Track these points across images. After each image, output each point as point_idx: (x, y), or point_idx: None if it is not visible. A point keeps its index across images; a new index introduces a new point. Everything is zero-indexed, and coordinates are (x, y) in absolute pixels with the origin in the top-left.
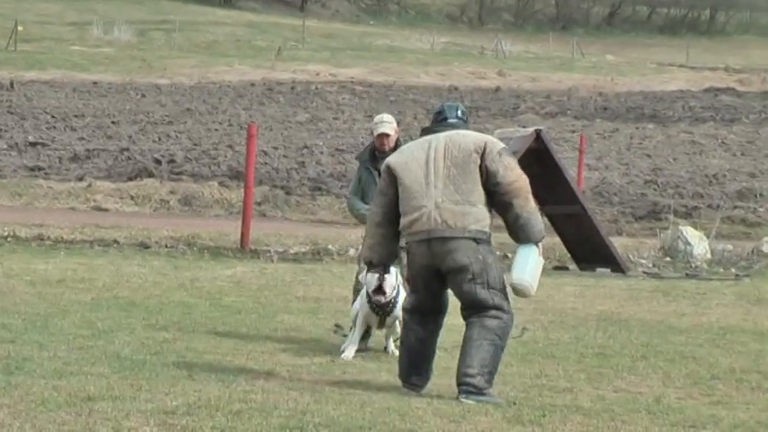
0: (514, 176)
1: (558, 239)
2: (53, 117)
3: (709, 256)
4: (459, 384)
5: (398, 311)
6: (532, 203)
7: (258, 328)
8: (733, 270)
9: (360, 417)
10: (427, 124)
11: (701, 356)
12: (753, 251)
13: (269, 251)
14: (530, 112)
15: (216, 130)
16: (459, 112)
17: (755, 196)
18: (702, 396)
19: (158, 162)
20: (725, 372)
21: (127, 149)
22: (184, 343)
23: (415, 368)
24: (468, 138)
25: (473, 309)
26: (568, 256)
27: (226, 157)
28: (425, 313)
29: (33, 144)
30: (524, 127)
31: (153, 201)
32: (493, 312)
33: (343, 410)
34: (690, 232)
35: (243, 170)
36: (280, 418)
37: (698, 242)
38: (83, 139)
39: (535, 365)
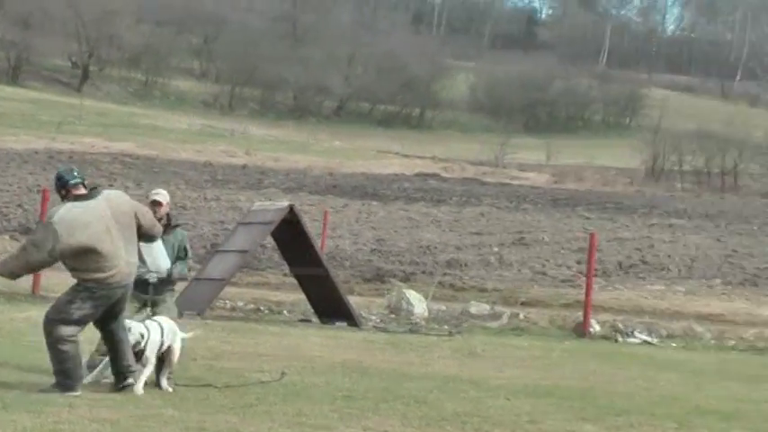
0: (152, 221)
1: (303, 296)
2: None
3: (426, 314)
4: (125, 374)
5: (149, 353)
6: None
7: None
8: (446, 327)
9: None
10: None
11: (431, 401)
12: (462, 312)
13: (57, 297)
14: (272, 186)
15: (6, 191)
16: (77, 173)
17: (461, 266)
18: None
19: None
20: (451, 415)
21: None
22: None
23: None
24: (123, 199)
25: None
26: (311, 310)
27: (16, 214)
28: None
29: None
30: (270, 200)
31: None
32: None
33: None
34: (411, 294)
35: (32, 226)
36: None
37: (418, 303)
38: None
39: (295, 405)
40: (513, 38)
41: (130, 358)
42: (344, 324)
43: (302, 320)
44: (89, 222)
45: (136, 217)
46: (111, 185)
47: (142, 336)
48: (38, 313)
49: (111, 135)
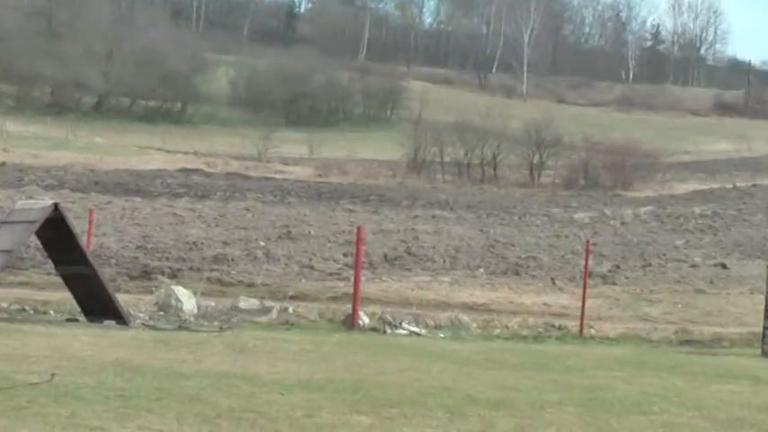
0: None
1: (69, 295)
2: None
3: (196, 311)
4: None
5: None
6: None
7: None
8: (217, 323)
9: None
10: None
11: (206, 398)
12: (231, 307)
13: None
14: (33, 184)
15: None
16: None
17: (228, 261)
18: None
19: None
20: (227, 411)
21: None
22: None
23: None
24: None
25: None
26: (78, 309)
27: None
28: None
29: None
30: (31, 197)
31: None
32: None
33: None
34: (180, 290)
35: None
36: None
37: (187, 299)
38: None
39: (68, 407)
40: (273, 32)
41: None
42: (113, 322)
43: (69, 320)
44: None
45: None
46: None
47: None
48: None
49: None
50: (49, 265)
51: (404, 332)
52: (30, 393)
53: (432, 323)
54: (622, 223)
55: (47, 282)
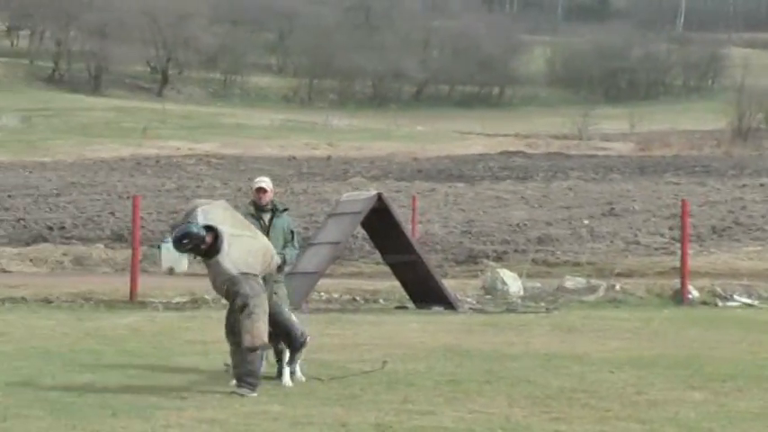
0: None
1: (397, 283)
2: None
3: (522, 293)
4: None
5: None
6: None
7: (161, 369)
8: (543, 304)
9: None
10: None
11: (535, 379)
12: (557, 287)
13: (154, 302)
14: (358, 175)
15: (98, 199)
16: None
17: (553, 241)
18: (543, 414)
19: (51, 229)
20: (556, 392)
21: (23, 219)
22: (101, 384)
23: None
24: (223, 209)
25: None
26: (407, 297)
27: (108, 222)
28: None
29: None
30: (357, 189)
31: (49, 262)
32: None
33: None
34: (505, 273)
35: (124, 233)
36: None
37: (512, 282)
38: None
39: (399, 393)
40: (587, 8)
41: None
42: (441, 308)
43: (399, 307)
44: (249, 248)
45: (231, 208)
46: (198, 186)
47: None
48: (136, 319)
49: (196, 136)
50: (377, 254)
51: (736, 304)
52: (363, 381)
53: (766, 294)
54: None
55: (376, 271)
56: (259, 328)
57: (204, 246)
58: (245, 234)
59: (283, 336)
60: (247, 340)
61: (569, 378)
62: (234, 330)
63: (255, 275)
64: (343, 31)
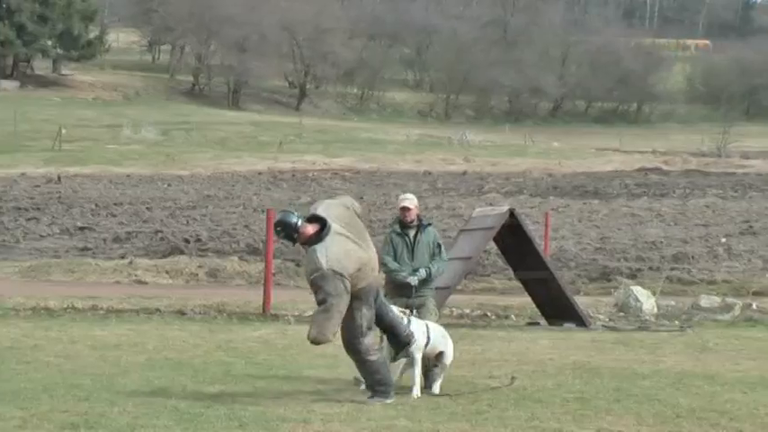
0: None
1: (529, 300)
2: (96, 205)
3: (655, 310)
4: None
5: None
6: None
7: (289, 382)
8: (677, 322)
9: None
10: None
11: (665, 398)
12: (692, 306)
13: (287, 315)
14: (492, 191)
15: (233, 212)
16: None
17: (689, 259)
18: None
19: (187, 241)
20: (686, 411)
21: (160, 231)
22: (230, 396)
23: None
24: (341, 210)
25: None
26: (539, 313)
27: (243, 235)
28: None
29: (81, 228)
30: (491, 204)
31: (184, 274)
32: None
33: None
34: (639, 291)
35: (259, 246)
36: None
37: (646, 299)
38: (122, 223)
39: (527, 410)
40: (729, 25)
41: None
42: (573, 325)
43: (530, 323)
44: (348, 250)
45: (355, 212)
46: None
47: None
48: (268, 331)
49: (331, 151)
50: (510, 270)
51: None
52: (490, 397)
53: None
54: None
55: (508, 287)
56: (328, 326)
57: (297, 235)
58: (352, 238)
59: (389, 334)
60: (312, 332)
61: (700, 398)
62: (350, 348)
63: (343, 277)
64: (480, 47)
